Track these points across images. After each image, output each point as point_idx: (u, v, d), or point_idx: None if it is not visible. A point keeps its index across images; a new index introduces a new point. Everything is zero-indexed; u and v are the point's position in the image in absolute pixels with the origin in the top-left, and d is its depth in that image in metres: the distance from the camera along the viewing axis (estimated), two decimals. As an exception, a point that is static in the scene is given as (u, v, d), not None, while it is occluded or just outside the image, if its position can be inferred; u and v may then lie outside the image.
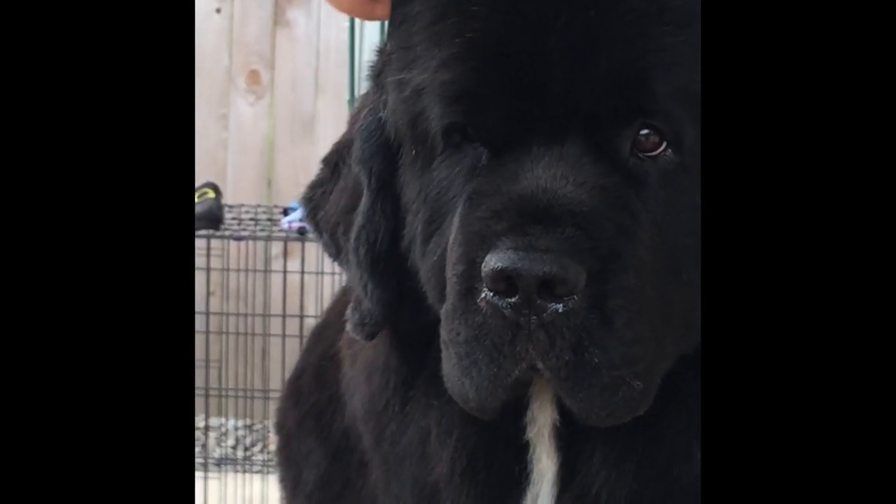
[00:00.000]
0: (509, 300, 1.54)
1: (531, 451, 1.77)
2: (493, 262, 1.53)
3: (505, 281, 1.53)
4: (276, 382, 4.93)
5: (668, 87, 1.61)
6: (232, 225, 5.04)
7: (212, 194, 4.90)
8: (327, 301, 4.90)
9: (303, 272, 4.88)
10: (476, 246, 1.59)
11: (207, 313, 5.02)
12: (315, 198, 1.93)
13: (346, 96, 4.70)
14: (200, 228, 4.79)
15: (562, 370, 1.56)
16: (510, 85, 1.63)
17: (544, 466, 1.77)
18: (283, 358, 4.83)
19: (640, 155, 1.63)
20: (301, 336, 4.68)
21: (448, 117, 1.67)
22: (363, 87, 1.91)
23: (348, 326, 1.85)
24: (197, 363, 4.94)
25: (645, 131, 1.63)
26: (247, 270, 5.19)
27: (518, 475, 1.77)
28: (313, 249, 4.88)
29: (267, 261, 5.36)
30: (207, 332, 5.03)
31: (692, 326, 1.64)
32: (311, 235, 4.82)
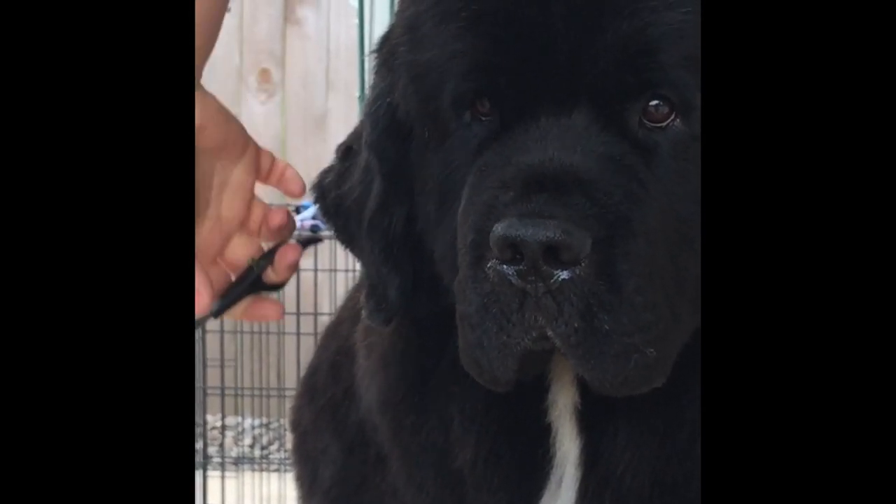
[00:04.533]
0: (516, 268, 1.54)
1: (553, 433, 1.77)
2: (498, 230, 1.53)
3: (510, 248, 1.53)
4: (292, 381, 4.93)
5: (675, 58, 1.60)
6: (245, 224, 5.04)
7: (224, 194, 4.90)
8: (341, 298, 4.90)
9: (316, 270, 4.88)
10: (484, 216, 1.59)
11: (222, 313, 5.02)
12: (324, 183, 1.93)
13: (357, 93, 4.71)
14: (213, 228, 4.79)
15: (571, 337, 1.55)
16: (517, 54, 1.62)
17: (567, 449, 1.77)
18: (298, 356, 4.83)
19: (649, 125, 1.63)
20: (316, 334, 4.68)
21: (460, 87, 1.66)
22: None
23: (364, 313, 1.85)
24: (212, 363, 4.95)
25: (654, 102, 1.63)
26: (260, 269, 5.19)
27: (541, 458, 1.77)
28: (326, 247, 4.87)
29: (280, 259, 5.35)
30: (222, 332, 5.04)
31: None
32: (324, 233, 4.84)
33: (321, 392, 2.13)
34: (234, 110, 2.06)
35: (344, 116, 5.98)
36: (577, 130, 1.61)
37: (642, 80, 1.61)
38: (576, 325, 1.54)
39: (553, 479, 1.78)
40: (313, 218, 5.17)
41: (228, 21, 2.18)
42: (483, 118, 1.67)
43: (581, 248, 1.52)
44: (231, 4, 2.09)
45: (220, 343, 5.01)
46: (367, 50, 4.50)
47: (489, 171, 1.63)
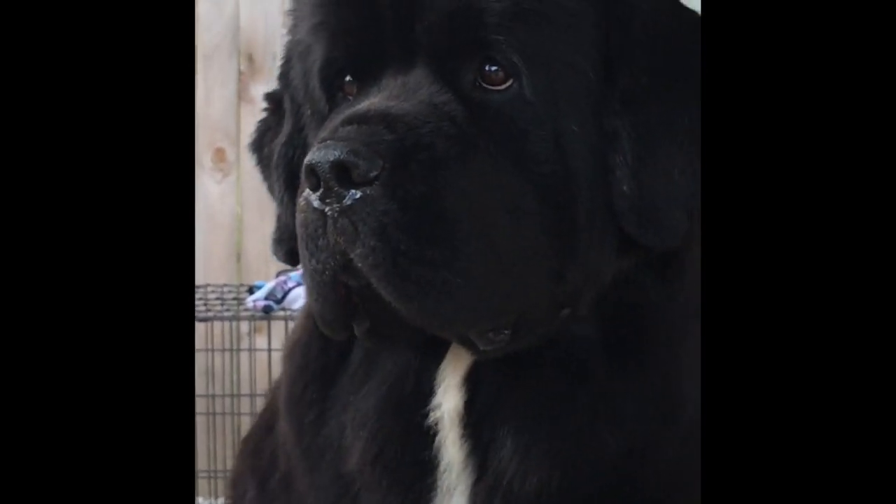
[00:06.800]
0: (316, 193, 1.61)
1: (438, 438, 1.80)
2: (304, 160, 1.63)
3: (312, 174, 1.60)
4: (247, 463, 4.86)
5: (500, 17, 1.66)
6: (198, 306, 5.00)
7: (177, 275, 4.87)
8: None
9: (270, 350, 4.84)
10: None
11: (175, 394, 4.96)
12: (260, 137, 2.07)
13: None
14: (166, 310, 4.75)
15: (369, 257, 1.59)
16: (359, 22, 1.73)
17: (451, 455, 1.79)
18: (253, 438, 4.77)
19: (488, 87, 1.69)
20: (271, 415, 4.63)
21: (324, 57, 1.78)
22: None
23: (271, 247, 1.94)
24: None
25: (488, 66, 1.69)
26: (213, 350, 5.14)
27: (428, 462, 1.80)
28: (280, 327, 4.85)
29: (234, 340, 5.31)
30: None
31: (554, 260, 1.67)
32: (277, 313, 4.82)
33: (249, 438, 2.18)
34: (186, 190, 2.09)
35: (299, 195, 5.97)
36: (409, 86, 1.69)
37: (469, 39, 1.68)
38: (371, 244, 1.58)
39: (442, 484, 1.80)
40: (266, 298, 5.13)
41: (179, 102, 2.20)
42: (350, 98, 1.77)
43: (369, 167, 1.58)
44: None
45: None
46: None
47: (328, 125, 1.72)
